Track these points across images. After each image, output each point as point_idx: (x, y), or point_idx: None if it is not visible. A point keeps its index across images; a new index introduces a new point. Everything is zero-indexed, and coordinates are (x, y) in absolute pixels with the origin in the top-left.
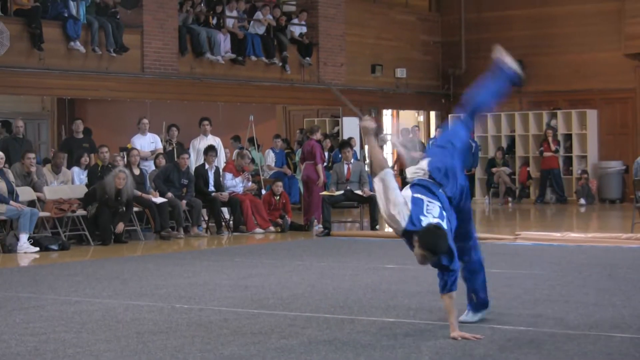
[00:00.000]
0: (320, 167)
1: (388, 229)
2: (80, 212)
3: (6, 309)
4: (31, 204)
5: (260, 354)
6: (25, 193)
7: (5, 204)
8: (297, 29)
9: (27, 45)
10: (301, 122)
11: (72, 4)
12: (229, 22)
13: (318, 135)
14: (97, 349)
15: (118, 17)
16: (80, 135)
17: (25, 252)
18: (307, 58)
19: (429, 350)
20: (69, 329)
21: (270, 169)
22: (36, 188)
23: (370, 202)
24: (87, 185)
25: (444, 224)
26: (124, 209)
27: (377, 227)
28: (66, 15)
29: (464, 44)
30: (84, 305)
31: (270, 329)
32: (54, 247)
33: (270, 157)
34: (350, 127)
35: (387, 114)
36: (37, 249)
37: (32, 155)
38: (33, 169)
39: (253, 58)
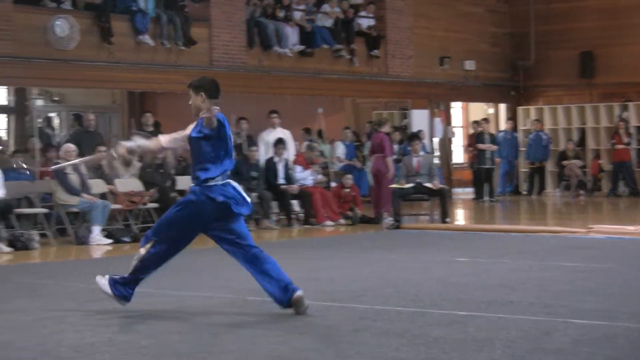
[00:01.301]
0: (389, 159)
1: (459, 222)
2: (151, 204)
3: (80, 300)
4: (103, 196)
5: (332, 347)
6: (97, 186)
7: (77, 196)
8: (365, 22)
9: (96, 39)
10: (370, 115)
11: None
12: (297, 15)
13: (387, 128)
14: (171, 340)
15: (186, 10)
16: (150, 128)
17: (97, 244)
18: (375, 50)
19: (502, 343)
20: (143, 320)
21: (340, 161)
22: (108, 181)
23: (441, 194)
24: None
25: None
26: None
27: (448, 219)
28: (135, 9)
29: (533, 36)
30: (157, 297)
31: (341, 322)
32: (126, 239)
33: (340, 150)
34: (419, 119)
35: (455, 107)
36: (110, 240)
37: (103, 148)
38: (104, 162)
39: (321, 49)
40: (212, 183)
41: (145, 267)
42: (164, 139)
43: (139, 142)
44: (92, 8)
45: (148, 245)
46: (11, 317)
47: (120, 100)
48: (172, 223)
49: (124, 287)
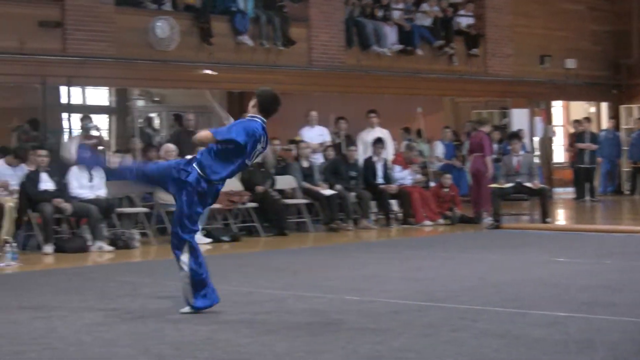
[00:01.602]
0: (488, 159)
1: (560, 222)
2: (250, 204)
3: (180, 298)
4: None
5: (431, 347)
6: None
7: None
8: (464, 20)
9: (196, 40)
10: (469, 114)
11: None
12: (395, 14)
13: (487, 128)
14: (269, 339)
15: (285, 10)
16: None
17: (198, 243)
18: (474, 49)
19: (604, 346)
20: (242, 319)
21: (439, 160)
22: None
23: (541, 194)
24: None
25: None
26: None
27: (548, 219)
28: (234, 9)
29: (636, 33)
30: (256, 296)
31: (440, 322)
32: (226, 238)
33: (439, 149)
34: (519, 118)
35: (556, 106)
36: (210, 240)
37: (202, 149)
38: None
39: (419, 51)
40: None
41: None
42: None
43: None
44: (191, 9)
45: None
46: (113, 315)
47: (220, 100)
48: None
49: (204, 299)
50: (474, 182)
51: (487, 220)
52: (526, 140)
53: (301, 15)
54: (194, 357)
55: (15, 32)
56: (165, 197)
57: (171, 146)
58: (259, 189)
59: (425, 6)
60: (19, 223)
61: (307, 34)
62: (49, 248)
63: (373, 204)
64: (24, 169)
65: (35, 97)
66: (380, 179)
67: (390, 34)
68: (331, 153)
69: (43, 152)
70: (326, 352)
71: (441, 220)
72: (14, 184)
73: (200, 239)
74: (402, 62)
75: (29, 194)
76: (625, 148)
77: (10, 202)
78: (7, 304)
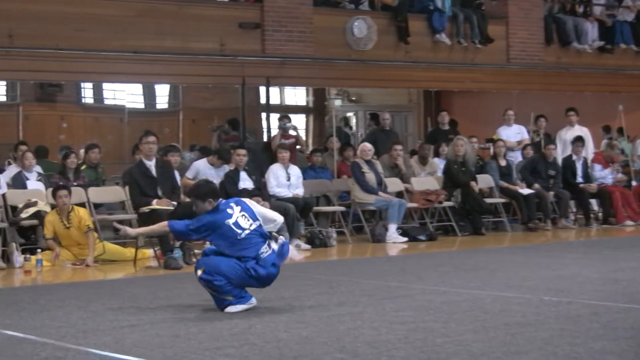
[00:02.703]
0: None
1: None
2: (447, 203)
3: (376, 297)
4: (399, 194)
5: (632, 350)
6: (394, 184)
7: (374, 194)
8: None
9: (393, 39)
10: None
11: None
12: (597, 10)
13: None
14: (465, 339)
15: (483, 8)
16: (446, 127)
17: (394, 242)
18: None
19: None
20: (437, 318)
21: None
22: (404, 179)
23: None
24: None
25: None
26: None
27: None
28: (432, 8)
29: None
30: (452, 295)
31: None
32: (422, 237)
33: None
34: None
35: None
36: (406, 239)
37: (399, 147)
38: (400, 161)
39: (622, 46)
40: None
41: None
42: None
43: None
44: (389, 8)
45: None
46: (311, 312)
47: (417, 99)
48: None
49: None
50: None
51: None
52: None
53: (499, 12)
54: (390, 356)
55: (216, 34)
56: (362, 196)
57: (368, 145)
58: (473, 185)
59: (627, 1)
60: None
61: (506, 31)
62: None
63: (572, 204)
64: (226, 169)
65: (235, 98)
66: (579, 178)
67: (591, 30)
68: (530, 152)
69: (242, 151)
70: (523, 354)
71: None
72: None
73: (396, 237)
74: (603, 59)
75: (228, 193)
76: None
77: None
78: (208, 300)
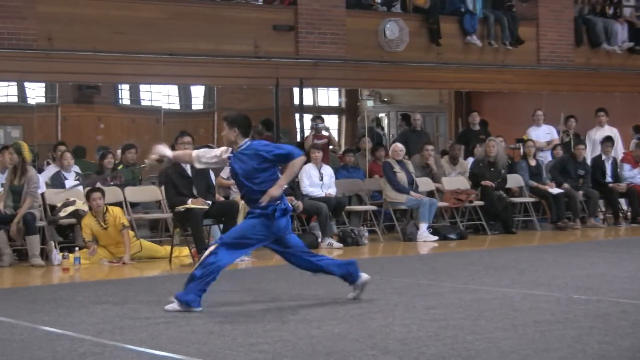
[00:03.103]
0: None
1: None
2: (477, 202)
3: (407, 295)
4: (430, 194)
5: None
6: (425, 184)
7: (405, 194)
8: None
9: (425, 40)
10: None
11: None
12: (626, 11)
13: None
14: (495, 336)
15: (514, 10)
16: (477, 127)
17: (424, 241)
18: None
19: None
20: (467, 316)
21: None
22: (435, 179)
23: None
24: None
25: None
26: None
27: None
28: (463, 10)
29: None
30: (482, 293)
31: None
32: (452, 236)
33: None
34: None
35: None
36: (436, 237)
37: (430, 147)
38: (431, 161)
39: None
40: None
41: None
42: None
43: (167, 152)
44: (421, 11)
45: None
46: (343, 309)
47: (448, 100)
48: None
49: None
50: None
51: None
52: None
53: (530, 14)
54: (421, 353)
55: (250, 36)
56: (394, 196)
57: (400, 146)
58: (486, 183)
59: None
60: None
61: (536, 32)
62: None
63: (601, 203)
64: None
65: (269, 98)
66: (609, 178)
67: (621, 31)
68: (560, 152)
69: None
70: (552, 351)
71: None
72: None
73: (427, 236)
74: (632, 60)
75: None
76: None
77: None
78: (242, 298)
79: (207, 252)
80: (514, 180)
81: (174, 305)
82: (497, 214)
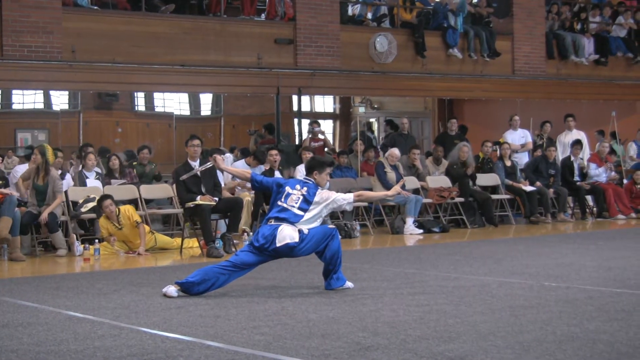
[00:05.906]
0: None
1: None
2: (458, 198)
3: (395, 282)
4: (416, 191)
5: (623, 330)
6: (411, 182)
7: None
8: None
9: (411, 53)
10: None
11: (451, 16)
12: (593, 27)
13: None
14: (474, 320)
15: (491, 25)
16: (454, 133)
17: (411, 234)
18: None
19: None
20: (449, 301)
21: (633, 160)
22: (420, 178)
23: None
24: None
25: None
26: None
27: None
28: (446, 25)
29: None
30: (462, 281)
31: (633, 307)
32: (436, 229)
33: (633, 149)
34: None
35: None
36: (421, 231)
37: (417, 151)
38: (418, 162)
39: (618, 55)
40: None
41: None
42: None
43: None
44: (408, 26)
45: None
46: (337, 296)
47: (432, 106)
48: None
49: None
50: None
51: None
52: None
53: (506, 29)
54: (407, 335)
55: (254, 48)
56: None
57: (397, 153)
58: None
59: (621, 19)
60: (255, 215)
61: (511, 46)
62: None
63: (570, 199)
64: (262, 169)
65: (270, 105)
66: (577, 177)
67: (588, 45)
68: (539, 153)
69: (275, 152)
70: (526, 333)
71: (633, 215)
72: None
73: (413, 229)
74: (598, 71)
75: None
76: None
77: (248, 197)
78: (246, 284)
79: None
80: (492, 179)
81: (172, 290)
82: (477, 207)
